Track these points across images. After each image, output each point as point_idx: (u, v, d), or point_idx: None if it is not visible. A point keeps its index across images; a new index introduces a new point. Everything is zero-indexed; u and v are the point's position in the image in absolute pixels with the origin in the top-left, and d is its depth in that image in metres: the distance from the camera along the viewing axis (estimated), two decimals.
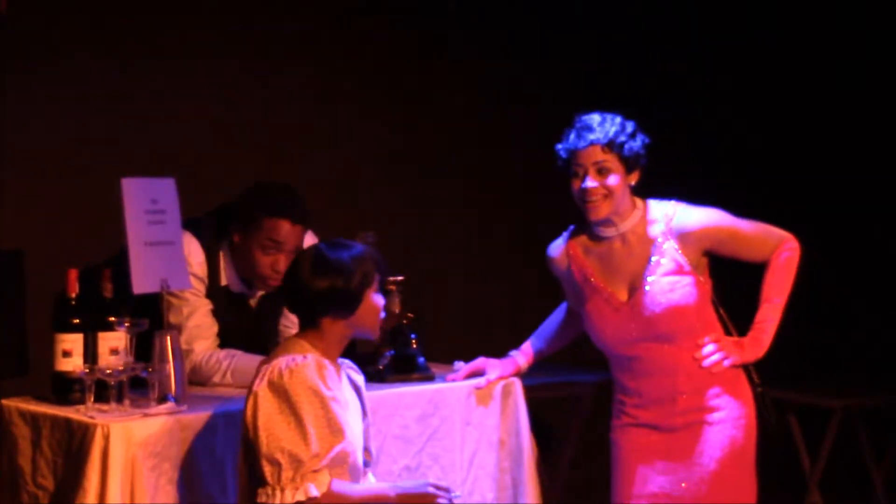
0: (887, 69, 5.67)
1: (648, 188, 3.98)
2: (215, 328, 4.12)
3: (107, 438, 3.63)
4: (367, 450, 3.66)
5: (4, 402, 3.96)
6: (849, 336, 5.45)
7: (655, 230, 3.92)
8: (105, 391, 3.79)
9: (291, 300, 3.58)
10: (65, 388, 3.90)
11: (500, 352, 5.15)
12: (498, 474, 4.29)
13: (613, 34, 5.51)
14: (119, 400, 3.79)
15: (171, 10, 4.57)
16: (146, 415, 3.74)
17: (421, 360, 4.27)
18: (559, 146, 3.96)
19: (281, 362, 3.42)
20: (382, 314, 3.58)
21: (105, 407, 3.78)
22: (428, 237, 5.09)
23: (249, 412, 3.41)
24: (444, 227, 5.14)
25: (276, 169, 4.41)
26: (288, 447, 3.34)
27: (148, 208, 3.90)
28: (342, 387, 3.53)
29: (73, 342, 3.90)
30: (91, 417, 3.70)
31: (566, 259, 4.05)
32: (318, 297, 3.49)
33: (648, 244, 3.92)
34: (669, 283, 3.90)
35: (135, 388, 3.91)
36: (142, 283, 3.86)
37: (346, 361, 3.69)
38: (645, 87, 5.53)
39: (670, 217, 3.92)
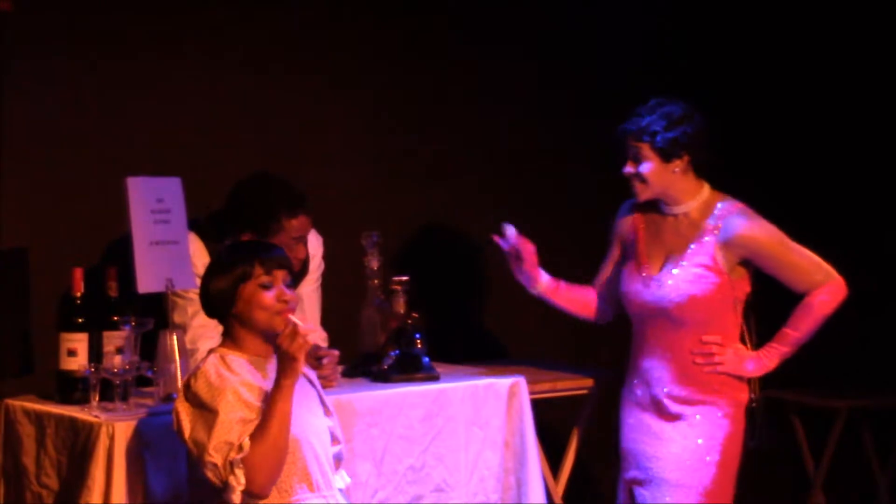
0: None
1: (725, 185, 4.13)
2: (220, 328, 4.11)
3: (111, 437, 3.63)
4: (335, 438, 3.62)
5: (9, 401, 3.96)
6: (854, 336, 5.43)
7: (707, 222, 4.03)
8: (110, 390, 3.79)
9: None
10: (69, 387, 3.90)
11: (504, 351, 5.16)
12: (502, 474, 4.29)
13: (630, 35, 5.50)
14: (124, 399, 3.79)
15: (177, 8, 4.56)
16: (151, 414, 3.73)
17: (425, 359, 4.27)
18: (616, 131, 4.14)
19: (189, 372, 3.44)
20: (285, 306, 3.45)
21: (110, 406, 3.78)
22: (432, 237, 5.08)
23: (175, 428, 3.40)
24: (448, 226, 5.13)
25: (282, 168, 4.39)
26: (213, 442, 3.31)
27: (153, 207, 3.90)
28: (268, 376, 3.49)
29: (77, 341, 3.90)
30: (96, 416, 3.70)
31: (630, 219, 4.21)
32: (204, 302, 3.51)
33: (695, 232, 4.04)
34: (695, 274, 4.01)
35: (139, 387, 3.92)
36: (147, 282, 3.86)
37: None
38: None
39: (724, 216, 4.03)
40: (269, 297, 3.45)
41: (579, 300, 4.33)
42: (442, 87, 5.13)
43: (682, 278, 4.02)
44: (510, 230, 4.22)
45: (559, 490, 4.79)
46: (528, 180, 5.32)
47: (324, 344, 4.24)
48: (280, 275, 3.48)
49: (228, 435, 3.32)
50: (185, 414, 3.38)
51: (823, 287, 4.02)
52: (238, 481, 3.31)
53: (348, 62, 4.92)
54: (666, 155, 4.02)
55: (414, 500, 4.12)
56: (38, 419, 3.85)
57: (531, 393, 4.37)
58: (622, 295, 4.15)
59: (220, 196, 4.22)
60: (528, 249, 4.22)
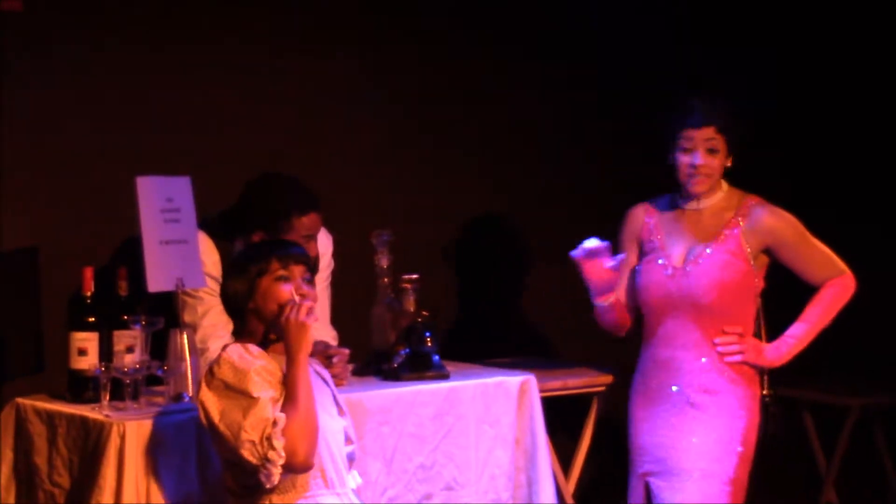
0: None
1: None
2: (230, 327, 4.10)
3: (122, 437, 3.64)
4: (348, 439, 3.64)
5: (20, 400, 3.97)
6: (866, 334, 5.42)
7: (729, 213, 4.08)
8: (120, 389, 3.80)
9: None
10: (80, 387, 3.90)
11: (515, 349, 5.15)
12: (513, 473, 4.29)
13: (644, 31, 5.50)
14: (134, 398, 3.80)
15: (187, 7, 4.57)
16: (162, 413, 3.74)
17: (436, 358, 4.27)
18: (671, 118, 4.10)
19: (208, 366, 3.48)
20: (307, 301, 3.48)
21: (120, 405, 3.78)
22: (443, 235, 5.08)
23: (203, 419, 3.42)
24: (459, 224, 5.13)
25: (292, 167, 4.40)
26: (248, 420, 3.33)
27: (163, 207, 3.90)
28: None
29: (88, 340, 3.91)
30: (107, 416, 3.71)
31: (643, 215, 4.21)
32: (224, 300, 3.57)
33: (719, 222, 4.08)
34: (724, 261, 4.04)
35: (150, 386, 3.92)
36: (157, 281, 3.86)
37: (312, 359, 3.69)
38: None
39: (748, 205, 4.09)
40: (285, 290, 3.48)
41: (625, 316, 4.26)
42: (453, 85, 5.12)
43: (709, 266, 4.04)
44: (597, 247, 4.07)
45: (570, 488, 4.78)
46: (540, 179, 5.31)
47: (334, 342, 4.24)
48: (297, 270, 3.52)
49: (263, 412, 3.34)
50: (211, 402, 3.39)
51: (837, 280, 4.09)
52: (278, 454, 3.32)
53: (359, 61, 4.92)
54: (732, 150, 4.06)
55: (424, 498, 4.12)
56: (50, 418, 3.86)
57: (541, 391, 4.37)
58: (641, 289, 4.14)
59: (230, 195, 4.22)
60: (615, 263, 4.10)
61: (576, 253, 4.10)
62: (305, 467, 3.38)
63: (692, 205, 4.13)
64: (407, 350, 4.24)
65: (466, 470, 4.19)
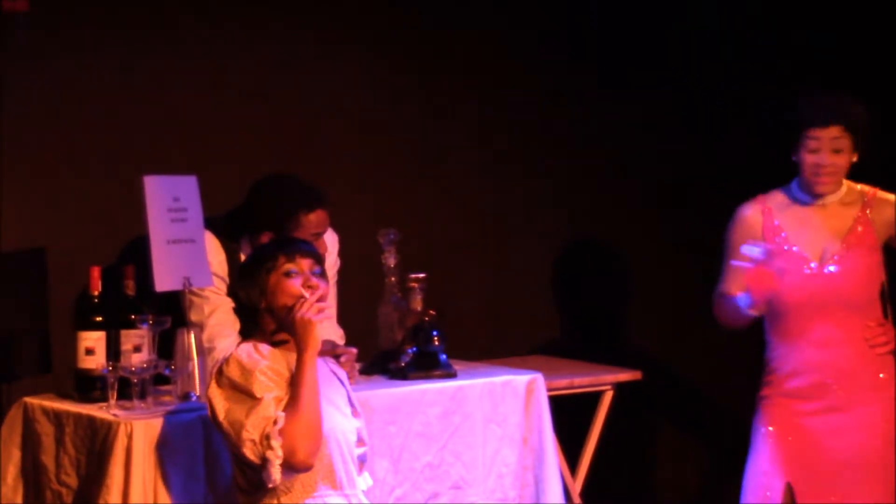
0: None
1: None
2: (237, 326, 4.12)
3: (130, 436, 3.64)
4: (361, 439, 3.64)
5: (28, 399, 3.97)
6: None
7: (856, 206, 4.08)
8: (128, 389, 3.80)
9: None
10: (88, 386, 3.91)
11: (521, 348, 5.15)
12: (520, 472, 4.28)
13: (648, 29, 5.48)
14: (142, 397, 3.80)
15: (193, 6, 4.57)
16: (169, 412, 3.74)
17: (443, 357, 4.26)
18: (795, 115, 4.05)
19: (218, 364, 3.49)
20: (315, 291, 3.49)
21: (128, 404, 3.79)
22: (450, 234, 5.08)
23: (210, 416, 3.44)
24: (466, 223, 5.13)
25: (299, 166, 4.40)
26: (250, 419, 3.35)
27: (170, 206, 3.91)
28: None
29: (95, 340, 3.91)
30: (114, 415, 3.71)
31: (759, 216, 4.13)
32: (237, 303, 3.60)
33: (846, 218, 4.08)
34: (862, 257, 4.05)
35: (157, 385, 3.93)
36: (164, 280, 3.86)
37: (329, 358, 3.73)
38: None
39: (870, 196, 4.09)
40: (293, 284, 3.49)
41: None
42: (461, 84, 5.12)
43: (851, 264, 4.03)
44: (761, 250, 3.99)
45: (577, 487, 4.78)
46: (548, 176, 5.31)
47: (341, 341, 4.24)
48: (305, 263, 3.53)
49: (265, 411, 3.35)
50: (218, 399, 3.41)
51: None
52: (276, 454, 3.33)
53: (366, 59, 4.91)
54: (858, 148, 4.04)
55: (431, 497, 4.12)
56: (57, 418, 3.86)
57: (549, 390, 4.36)
58: (781, 293, 4.01)
59: (237, 195, 4.22)
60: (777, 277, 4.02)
61: (740, 262, 3.99)
62: (305, 467, 3.37)
63: (821, 200, 4.09)
64: (414, 349, 4.24)
65: (474, 469, 4.19)
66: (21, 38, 4.22)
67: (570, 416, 4.67)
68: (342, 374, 3.69)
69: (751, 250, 3.95)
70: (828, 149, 4.02)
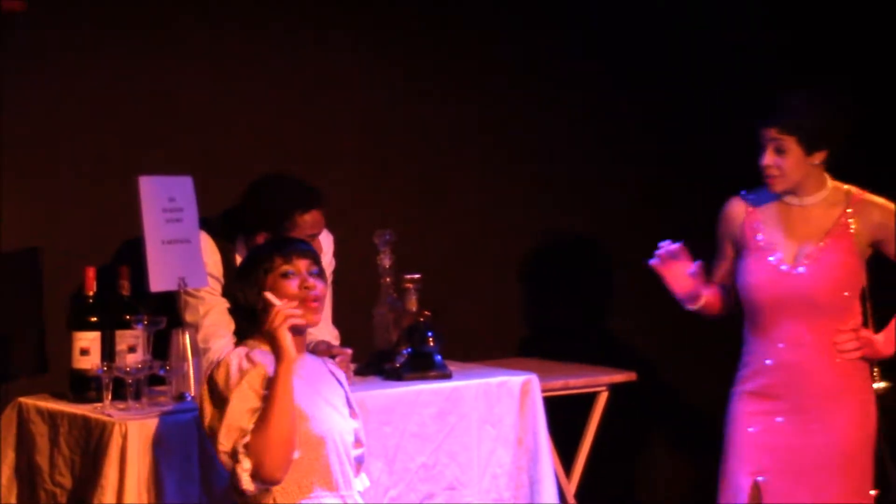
0: None
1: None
2: (232, 326, 4.12)
3: (124, 436, 3.64)
4: (358, 441, 3.63)
5: (22, 399, 3.97)
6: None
7: (838, 208, 4.04)
8: (122, 389, 3.80)
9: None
10: (82, 386, 3.91)
11: (516, 349, 5.16)
12: (515, 472, 4.29)
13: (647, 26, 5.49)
14: (136, 398, 3.80)
15: (188, 7, 4.56)
16: (164, 413, 3.74)
17: (438, 358, 4.26)
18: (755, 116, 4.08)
19: (214, 363, 3.49)
20: (313, 293, 3.49)
21: (122, 405, 3.78)
22: (446, 235, 5.08)
23: (199, 417, 3.45)
24: (462, 224, 5.13)
25: (294, 167, 4.40)
26: (223, 430, 3.34)
27: (165, 206, 3.90)
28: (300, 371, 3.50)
29: (90, 340, 3.91)
30: (109, 415, 3.71)
31: (742, 213, 4.13)
32: (235, 306, 3.57)
33: (828, 219, 4.04)
34: (838, 259, 4.01)
35: (152, 386, 3.92)
36: (159, 281, 3.86)
37: (328, 359, 3.72)
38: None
39: (856, 199, 4.05)
40: (290, 285, 3.48)
41: (725, 302, 4.22)
42: (457, 84, 5.12)
43: (823, 265, 4.00)
44: (672, 248, 4.08)
45: (572, 488, 4.78)
46: (544, 176, 5.31)
47: (336, 342, 4.24)
48: (302, 264, 3.52)
49: (239, 421, 3.34)
50: (205, 403, 3.41)
51: None
52: (243, 467, 3.33)
53: (361, 61, 4.91)
54: (810, 147, 3.99)
55: (426, 498, 4.12)
56: (52, 418, 3.86)
57: (544, 391, 4.36)
58: (751, 287, 4.05)
59: (232, 195, 4.22)
60: (695, 270, 4.08)
61: (653, 260, 4.06)
62: (272, 481, 3.35)
63: (796, 201, 4.07)
64: (409, 350, 4.24)
65: (468, 470, 4.19)
66: (16, 38, 4.22)
67: (564, 417, 4.67)
68: (341, 374, 3.69)
69: (665, 247, 4.02)
70: (770, 149, 4.00)
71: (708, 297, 4.17)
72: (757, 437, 4.07)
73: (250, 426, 3.33)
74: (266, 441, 3.31)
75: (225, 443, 3.34)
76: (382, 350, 4.31)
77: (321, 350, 3.93)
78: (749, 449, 4.08)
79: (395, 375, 4.22)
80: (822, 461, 4.01)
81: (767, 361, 4.07)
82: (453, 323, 4.69)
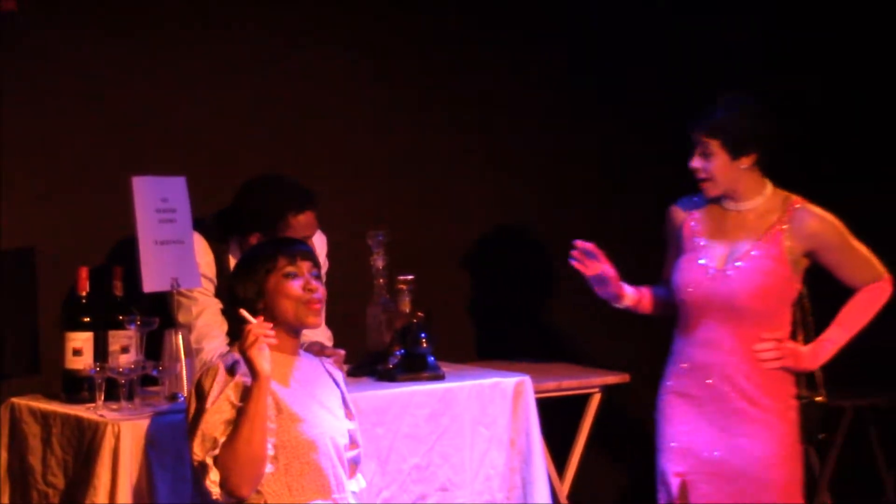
0: None
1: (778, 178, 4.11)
2: (225, 327, 4.12)
3: (117, 437, 3.64)
4: (353, 442, 3.63)
5: (15, 400, 3.97)
6: (860, 334, 5.42)
7: (773, 216, 4.04)
8: (115, 389, 3.80)
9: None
10: (75, 387, 3.91)
11: (512, 350, 5.16)
12: (508, 474, 4.29)
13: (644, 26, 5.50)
14: (129, 398, 3.80)
15: (183, 7, 4.57)
16: (157, 413, 3.74)
17: (431, 359, 4.27)
18: None
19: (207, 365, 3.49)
20: (313, 296, 3.50)
21: (115, 405, 3.78)
22: (440, 236, 5.08)
23: (185, 420, 3.45)
24: (456, 225, 5.13)
25: (288, 167, 4.40)
26: (197, 439, 3.35)
27: (158, 207, 3.90)
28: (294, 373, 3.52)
29: (83, 340, 3.91)
30: (101, 416, 3.71)
31: (683, 215, 4.17)
32: (232, 303, 3.54)
33: (762, 224, 4.04)
34: (766, 265, 4.00)
35: (145, 386, 3.92)
36: (152, 281, 3.86)
37: (325, 359, 3.72)
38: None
39: (792, 208, 4.04)
40: (294, 286, 3.48)
41: (662, 302, 4.25)
42: (450, 85, 5.13)
43: (750, 270, 4.00)
44: (587, 246, 4.12)
45: (564, 489, 4.79)
46: (538, 178, 5.32)
47: (329, 343, 4.24)
48: (305, 266, 3.52)
49: (213, 432, 3.35)
50: (191, 406, 3.42)
51: (874, 285, 4.07)
52: (210, 478, 3.34)
53: (356, 61, 4.92)
54: (735, 152, 4.01)
55: (419, 499, 4.13)
56: (44, 418, 3.86)
57: (537, 392, 4.37)
58: (681, 287, 4.08)
59: (225, 196, 4.22)
60: (610, 271, 4.13)
61: (571, 259, 4.11)
62: (238, 495, 3.36)
63: (734, 206, 4.08)
64: (402, 351, 4.24)
65: (461, 471, 4.19)
66: (10, 38, 4.22)
67: (557, 419, 4.68)
68: (338, 375, 3.68)
69: (579, 247, 4.07)
70: (697, 152, 4.04)
71: (635, 298, 4.20)
72: (680, 437, 4.10)
73: (223, 438, 3.34)
74: (234, 456, 3.32)
75: (198, 452, 3.35)
76: (375, 351, 4.32)
77: (314, 351, 3.93)
78: (674, 449, 4.12)
79: (388, 376, 4.22)
80: (741, 467, 4.01)
81: (686, 363, 4.10)
82: (446, 324, 4.69)
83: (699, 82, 5.28)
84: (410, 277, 4.34)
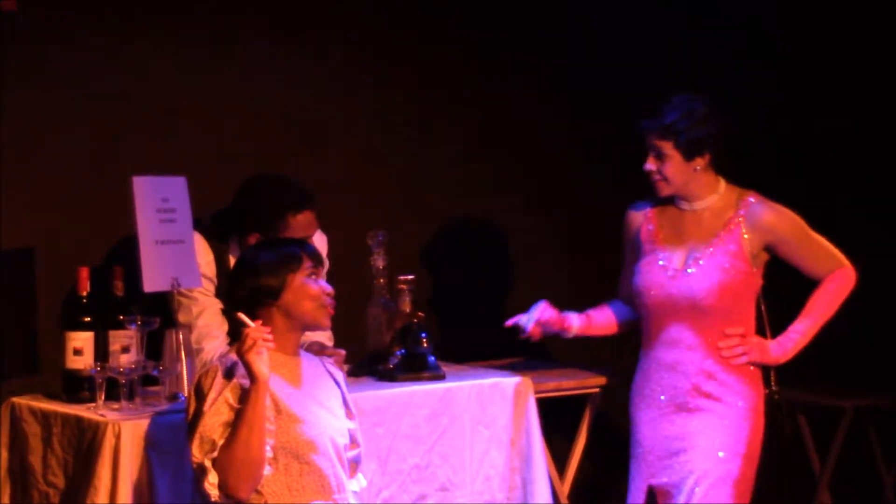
0: None
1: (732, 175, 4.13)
2: (225, 327, 4.12)
3: (118, 436, 3.64)
4: (354, 441, 3.63)
5: (16, 399, 3.97)
6: (860, 335, 5.43)
7: (729, 212, 4.05)
8: (116, 389, 3.80)
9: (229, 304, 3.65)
10: (76, 387, 3.91)
11: (511, 351, 5.16)
12: (508, 474, 4.29)
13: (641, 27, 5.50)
14: (130, 398, 3.80)
15: (182, 7, 4.57)
16: (157, 413, 3.74)
17: (431, 359, 4.27)
18: None
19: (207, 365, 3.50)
20: (329, 299, 3.53)
21: (116, 405, 3.79)
22: (440, 235, 5.08)
23: (185, 420, 3.46)
24: (456, 225, 5.13)
25: (288, 168, 4.40)
26: (196, 440, 3.36)
27: (159, 207, 3.90)
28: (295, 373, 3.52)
29: (84, 340, 3.91)
30: (102, 416, 3.71)
31: (642, 218, 4.19)
32: (239, 295, 3.52)
33: (719, 223, 4.05)
34: (725, 262, 4.01)
35: (145, 386, 3.92)
36: (152, 281, 3.86)
37: (326, 358, 3.72)
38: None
39: (747, 203, 4.05)
40: (314, 287, 3.51)
41: (609, 324, 4.31)
42: (450, 85, 5.12)
43: (710, 268, 4.01)
44: (525, 323, 4.21)
45: (565, 489, 4.79)
46: (538, 179, 5.31)
47: (329, 343, 4.24)
48: (320, 270, 3.56)
49: (212, 434, 3.36)
50: (190, 406, 3.43)
51: (837, 273, 4.08)
52: (209, 480, 3.35)
53: (354, 61, 4.92)
54: (689, 153, 4.02)
55: (419, 499, 4.13)
56: (45, 418, 3.86)
57: (537, 392, 4.37)
58: (640, 290, 4.10)
59: (225, 195, 4.22)
60: (547, 321, 4.20)
61: (524, 335, 4.20)
62: (236, 497, 3.37)
63: (690, 206, 4.10)
64: (402, 351, 4.24)
65: (461, 471, 4.19)
66: (11, 38, 4.22)
67: (557, 419, 4.67)
68: (339, 375, 3.69)
69: (529, 317, 4.18)
70: (651, 154, 4.06)
71: (584, 326, 4.25)
72: (648, 441, 4.11)
73: (221, 441, 3.35)
74: (232, 459, 3.33)
75: (196, 454, 3.36)
76: (376, 351, 4.32)
77: (314, 351, 3.94)
78: (643, 453, 4.13)
79: (389, 376, 4.22)
80: (707, 466, 4.01)
81: (653, 365, 4.11)
82: (447, 324, 4.70)
83: (698, 82, 5.28)
84: (410, 277, 4.34)
